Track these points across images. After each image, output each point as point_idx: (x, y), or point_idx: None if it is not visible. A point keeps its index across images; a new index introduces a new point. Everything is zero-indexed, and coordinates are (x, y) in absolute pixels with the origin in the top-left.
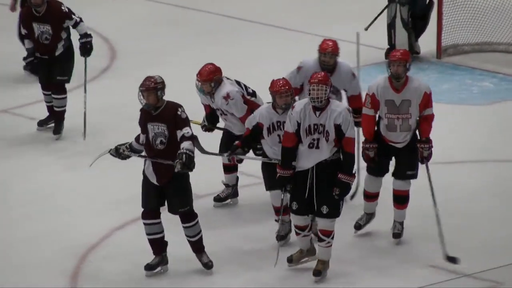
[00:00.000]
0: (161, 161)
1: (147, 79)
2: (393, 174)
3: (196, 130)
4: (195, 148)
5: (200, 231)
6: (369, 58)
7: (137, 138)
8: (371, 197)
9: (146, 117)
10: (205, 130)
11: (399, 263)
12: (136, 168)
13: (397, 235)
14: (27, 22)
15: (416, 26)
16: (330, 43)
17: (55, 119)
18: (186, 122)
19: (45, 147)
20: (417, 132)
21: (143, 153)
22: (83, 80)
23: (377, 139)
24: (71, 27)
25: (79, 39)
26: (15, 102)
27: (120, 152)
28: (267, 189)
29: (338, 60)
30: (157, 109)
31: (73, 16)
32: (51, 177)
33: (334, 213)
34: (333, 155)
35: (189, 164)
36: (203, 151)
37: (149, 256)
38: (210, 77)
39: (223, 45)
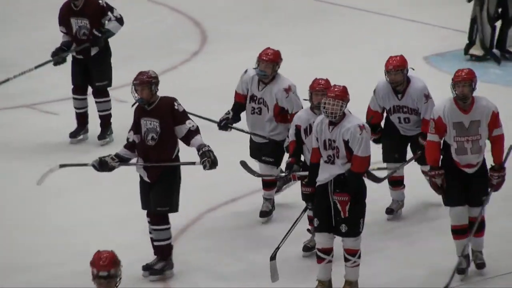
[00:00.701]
0: (181, 164)
1: (141, 74)
2: (467, 201)
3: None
4: (247, 172)
5: (169, 239)
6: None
7: (126, 145)
8: (459, 232)
9: (139, 112)
10: (223, 126)
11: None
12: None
13: (481, 265)
14: (65, 18)
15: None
16: (392, 60)
17: (100, 124)
18: (186, 115)
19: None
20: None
21: (133, 161)
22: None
23: (448, 166)
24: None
25: (101, 27)
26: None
27: (107, 163)
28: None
29: (412, 77)
30: (151, 104)
31: (109, 13)
32: None
33: (354, 231)
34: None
35: (216, 160)
36: (255, 173)
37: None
38: (276, 58)
39: (314, 29)
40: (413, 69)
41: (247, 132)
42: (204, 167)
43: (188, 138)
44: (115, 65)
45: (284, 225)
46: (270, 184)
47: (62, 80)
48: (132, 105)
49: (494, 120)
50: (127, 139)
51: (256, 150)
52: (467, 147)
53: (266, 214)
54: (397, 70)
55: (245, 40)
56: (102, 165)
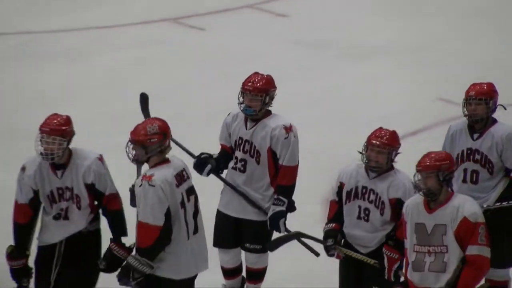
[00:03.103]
0: None
1: None
2: None
3: None
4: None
5: None
6: None
7: None
8: None
9: None
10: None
11: None
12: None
13: None
14: None
15: None
16: (476, 86)
17: None
18: None
19: None
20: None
21: None
22: None
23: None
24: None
25: None
26: None
27: None
28: None
29: (498, 120)
30: None
31: None
32: None
33: None
34: (90, 224)
35: None
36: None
37: None
38: (265, 87)
39: None
40: (505, 108)
41: (231, 186)
42: None
43: None
44: None
45: None
46: (236, 271)
47: None
48: None
49: (465, 231)
50: None
51: (230, 233)
52: (426, 261)
53: None
54: (480, 99)
55: None
56: None
